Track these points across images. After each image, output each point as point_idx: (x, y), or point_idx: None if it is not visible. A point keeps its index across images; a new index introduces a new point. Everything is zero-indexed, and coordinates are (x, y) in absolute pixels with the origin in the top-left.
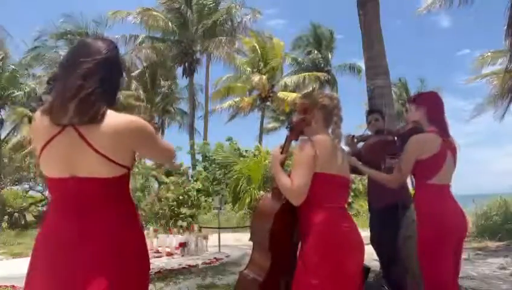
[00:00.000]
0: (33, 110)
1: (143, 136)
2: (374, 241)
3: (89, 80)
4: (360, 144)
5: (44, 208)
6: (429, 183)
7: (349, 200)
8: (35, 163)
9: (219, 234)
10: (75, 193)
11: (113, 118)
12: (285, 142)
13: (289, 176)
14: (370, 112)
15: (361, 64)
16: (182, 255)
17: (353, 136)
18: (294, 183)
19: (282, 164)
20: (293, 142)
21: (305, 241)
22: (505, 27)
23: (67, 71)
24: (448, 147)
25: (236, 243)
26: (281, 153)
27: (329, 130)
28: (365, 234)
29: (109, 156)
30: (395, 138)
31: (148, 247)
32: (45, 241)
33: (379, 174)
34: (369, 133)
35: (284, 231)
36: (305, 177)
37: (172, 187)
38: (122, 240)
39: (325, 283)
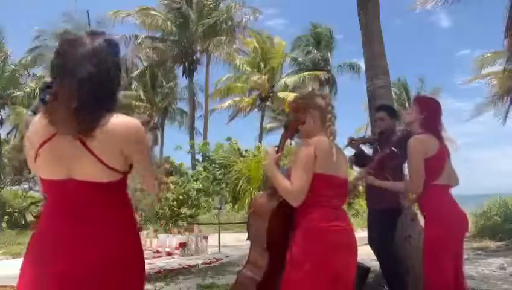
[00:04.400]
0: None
1: (139, 140)
2: (372, 242)
3: (88, 85)
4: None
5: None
6: (434, 184)
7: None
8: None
9: (219, 234)
10: (73, 195)
11: (112, 122)
12: (280, 141)
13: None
14: (376, 110)
15: (361, 64)
16: (182, 255)
17: (352, 138)
18: (294, 185)
19: (277, 163)
20: (291, 143)
21: (293, 239)
22: (504, 28)
23: (62, 74)
24: (445, 148)
25: (237, 243)
26: (277, 152)
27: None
28: (365, 234)
29: (108, 162)
30: (393, 149)
31: (148, 247)
32: (41, 242)
33: (399, 185)
34: (370, 135)
35: (280, 230)
36: (305, 179)
37: (172, 187)
38: (118, 244)
39: (306, 279)
